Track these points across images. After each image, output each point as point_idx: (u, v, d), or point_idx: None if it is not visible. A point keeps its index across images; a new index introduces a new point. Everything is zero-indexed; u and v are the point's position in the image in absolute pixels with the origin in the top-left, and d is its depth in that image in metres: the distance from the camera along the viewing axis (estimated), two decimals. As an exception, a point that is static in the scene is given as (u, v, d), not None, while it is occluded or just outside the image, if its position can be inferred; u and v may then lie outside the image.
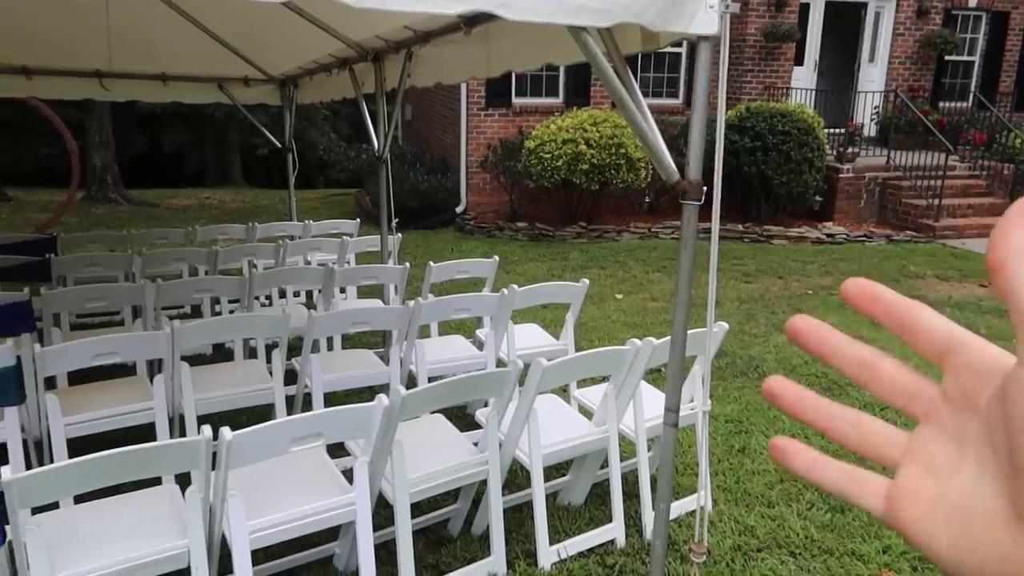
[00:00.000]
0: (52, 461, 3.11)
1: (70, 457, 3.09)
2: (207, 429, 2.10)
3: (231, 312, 5.26)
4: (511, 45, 3.63)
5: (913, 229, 10.29)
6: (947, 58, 12.86)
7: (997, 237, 0.32)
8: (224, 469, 2.13)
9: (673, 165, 2.45)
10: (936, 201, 10.23)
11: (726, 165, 9.52)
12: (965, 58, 13.27)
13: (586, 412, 3.38)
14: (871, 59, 12.64)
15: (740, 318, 6.82)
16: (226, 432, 2.10)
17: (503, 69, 3.75)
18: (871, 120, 12.30)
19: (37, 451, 3.38)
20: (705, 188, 2.48)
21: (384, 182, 5.22)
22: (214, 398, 3.38)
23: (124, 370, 4.04)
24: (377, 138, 5.27)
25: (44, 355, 2.95)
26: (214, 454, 2.16)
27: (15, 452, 3.01)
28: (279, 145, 7.87)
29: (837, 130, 11.34)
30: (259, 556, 2.76)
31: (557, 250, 9.43)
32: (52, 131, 19.71)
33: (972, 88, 13.27)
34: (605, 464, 3.34)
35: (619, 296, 7.40)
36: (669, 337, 3.12)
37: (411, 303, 3.73)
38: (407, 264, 4.83)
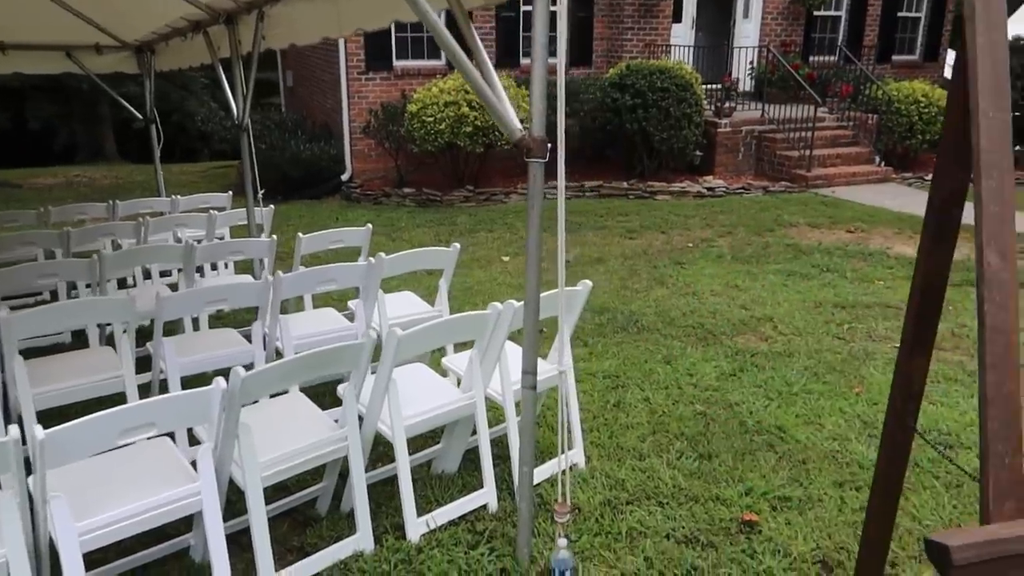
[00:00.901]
0: None
1: None
2: (14, 429, 1.93)
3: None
4: (360, 3, 3.48)
5: (788, 180, 10.71)
6: (816, 14, 13.32)
7: None
8: (41, 470, 1.97)
9: (516, 123, 2.39)
10: (807, 152, 10.65)
11: (609, 123, 9.54)
12: (833, 13, 13.78)
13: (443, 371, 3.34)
14: (745, 15, 12.96)
15: (623, 274, 6.94)
16: (37, 430, 1.94)
17: (354, 28, 3.60)
18: (747, 75, 12.65)
19: None
20: (549, 145, 2.43)
21: (247, 151, 4.98)
22: (57, 391, 3.16)
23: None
24: (236, 105, 5.00)
25: None
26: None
27: None
28: (139, 117, 7.40)
29: (715, 86, 11.60)
30: (109, 554, 2.61)
31: (445, 215, 9.33)
32: None
33: (839, 42, 13.82)
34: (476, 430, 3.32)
35: (506, 259, 7.39)
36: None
37: (268, 277, 3.57)
38: (274, 237, 4.64)
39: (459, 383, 3.22)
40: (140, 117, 7.38)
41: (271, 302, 3.56)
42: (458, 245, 4.19)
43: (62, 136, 23.94)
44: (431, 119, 9.31)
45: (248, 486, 2.40)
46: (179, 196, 6.69)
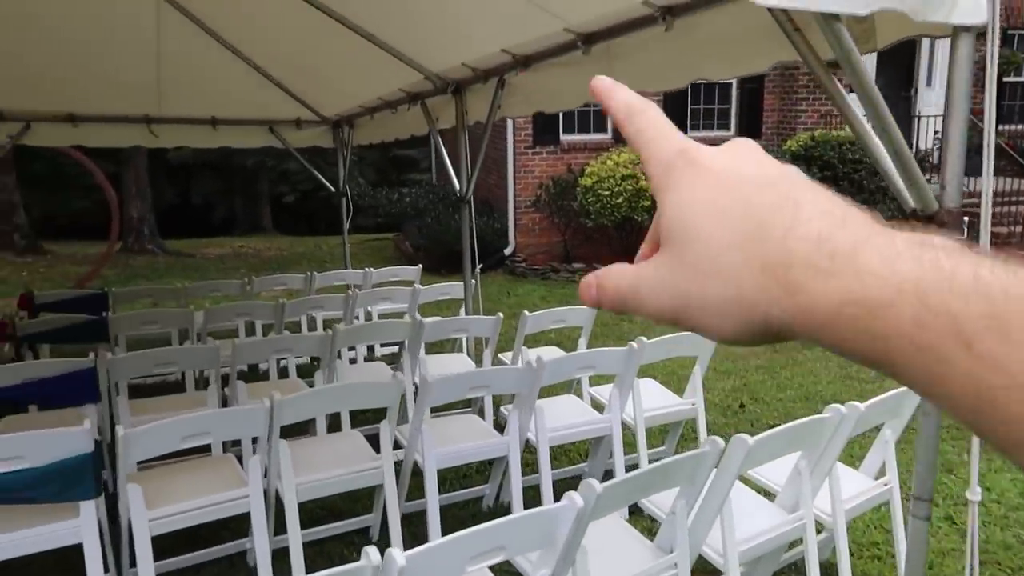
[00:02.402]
0: (134, 566, 2.62)
1: (160, 557, 2.60)
2: (372, 552, 1.60)
3: (300, 369, 4.77)
4: (641, 64, 3.18)
5: (996, 259, 9.69)
6: (1005, 80, 12.36)
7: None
8: (393, 603, 1.62)
9: (930, 191, 1.96)
10: (1021, 228, 9.65)
11: None
12: (1023, 79, 12.78)
13: (749, 483, 2.85)
14: (928, 83, 12.18)
15: (839, 360, 6.26)
16: (396, 555, 1.59)
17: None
18: (934, 146, 11.78)
19: (113, 547, 2.89)
20: (967, 219, 1.98)
21: (468, 224, 4.77)
22: (316, 482, 2.88)
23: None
24: (458, 178, 4.82)
25: (127, 440, 2.47)
26: None
27: (93, 556, 2.52)
28: (333, 190, 7.48)
29: (900, 158, 10.81)
30: None
31: (620, 291, 8.91)
32: (85, 184, 19.65)
33: (1033, 111, 12.74)
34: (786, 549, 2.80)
35: (701, 340, 6.86)
36: (873, 401, 2.62)
37: (530, 361, 3.23)
38: (500, 315, 4.34)
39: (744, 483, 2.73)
40: (333, 190, 7.46)
41: (530, 390, 3.20)
42: (718, 329, 3.74)
43: (221, 210, 25.48)
44: (607, 192, 9.03)
45: (583, 625, 1.97)
46: (372, 269, 6.61)
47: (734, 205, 0.36)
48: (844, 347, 0.32)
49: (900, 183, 1.96)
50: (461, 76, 4.53)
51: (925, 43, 11.99)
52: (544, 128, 10.81)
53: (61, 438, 2.44)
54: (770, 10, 2.36)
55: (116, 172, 14.38)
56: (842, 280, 0.31)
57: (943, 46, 11.95)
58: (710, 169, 0.38)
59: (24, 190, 13.83)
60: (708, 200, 0.37)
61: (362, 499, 3.64)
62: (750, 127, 11.69)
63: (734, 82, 11.52)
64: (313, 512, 3.50)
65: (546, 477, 3.24)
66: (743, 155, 0.39)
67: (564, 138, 10.99)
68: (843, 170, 9.04)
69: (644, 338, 3.48)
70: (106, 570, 2.77)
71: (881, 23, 2.18)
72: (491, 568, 2.17)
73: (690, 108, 11.41)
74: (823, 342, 0.32)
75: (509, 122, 10.63)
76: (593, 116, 11.12)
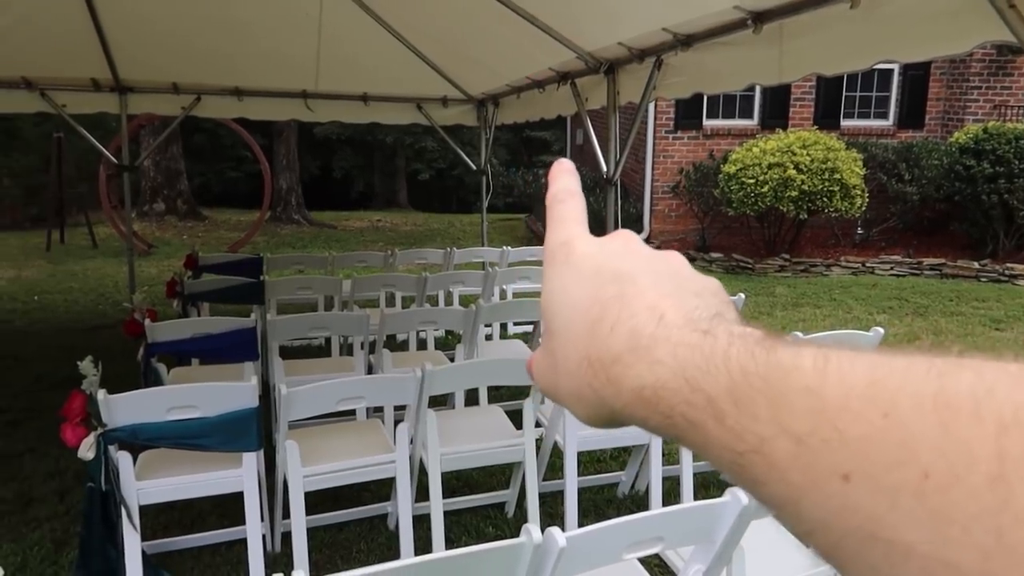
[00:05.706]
0: (286, 518, 2.75)
1: (308, 513, 2.72)
2: (534, 530, 1.58)
3: (435, 342, 4.88)
4: (818, 43, 2.99)
5: None
6: None
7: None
8: (549, 582, 1.60)
9: None
10: None
11: (958, 193, 8.10)
12: None
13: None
14: (1123, 74, 10.93)
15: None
16: (556, 534, 1.57)
17: (803, 72, 3.11)
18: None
19: (268, 498, 3.05)
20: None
21: (613, 207, 4.69)
22: (459, 454, 2.92)
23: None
24: (606, 160, 4.75)
25: (289, 398, 2.58)
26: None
27: (252, 505, 2.66)
28: (474, 167, 7.57)
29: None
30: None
31: (760, 284, 8.58)
32: (237, 156, 20.93)
33: None
34: None
35: (848, 340, 6.50)
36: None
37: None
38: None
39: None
40: (474, 168, 7.55)
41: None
42: (881, 330, 3.51)
43: (359, 184, 26.44)
44: (752, 181, 8.68)
45: (737, 627, 1.89)
46: (509, 248, 6.65)
47: (582, 300, 0.38)
48: (647, 425, 0.35)
49: None
50: (615, 55, 4.44)
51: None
52: (687, 113, 10.51)
53: (230, 391, 2.58)
54: (980, -18, 2.16)
55: (268, 145, 15.18)
56: (638, 369, 0.34)
57: None
58: (578, 261, 0.40)
59: (186, 160, 14.86)
60: (566, 293, 0.39)
61: (496, 474, 3.68)
62: (911, 117, 10.93)
63: (896, 67, 10.78)
64: (449, 483, 3.56)
65: (687, 468, 3.15)
66: (614, 248, 0.40)
67: (707, 123, 10.65)
68: (1019, 166, 8.27)
69: (799, 333, 3.31)
70: (261, 519, 2.93)
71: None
72: (639, 561, 2.12)
73: (845, 95, 10.79)
74: (636, 421, 0.36)
75: (651, 105, 10.42)
76: (739, 101, 10.71)
